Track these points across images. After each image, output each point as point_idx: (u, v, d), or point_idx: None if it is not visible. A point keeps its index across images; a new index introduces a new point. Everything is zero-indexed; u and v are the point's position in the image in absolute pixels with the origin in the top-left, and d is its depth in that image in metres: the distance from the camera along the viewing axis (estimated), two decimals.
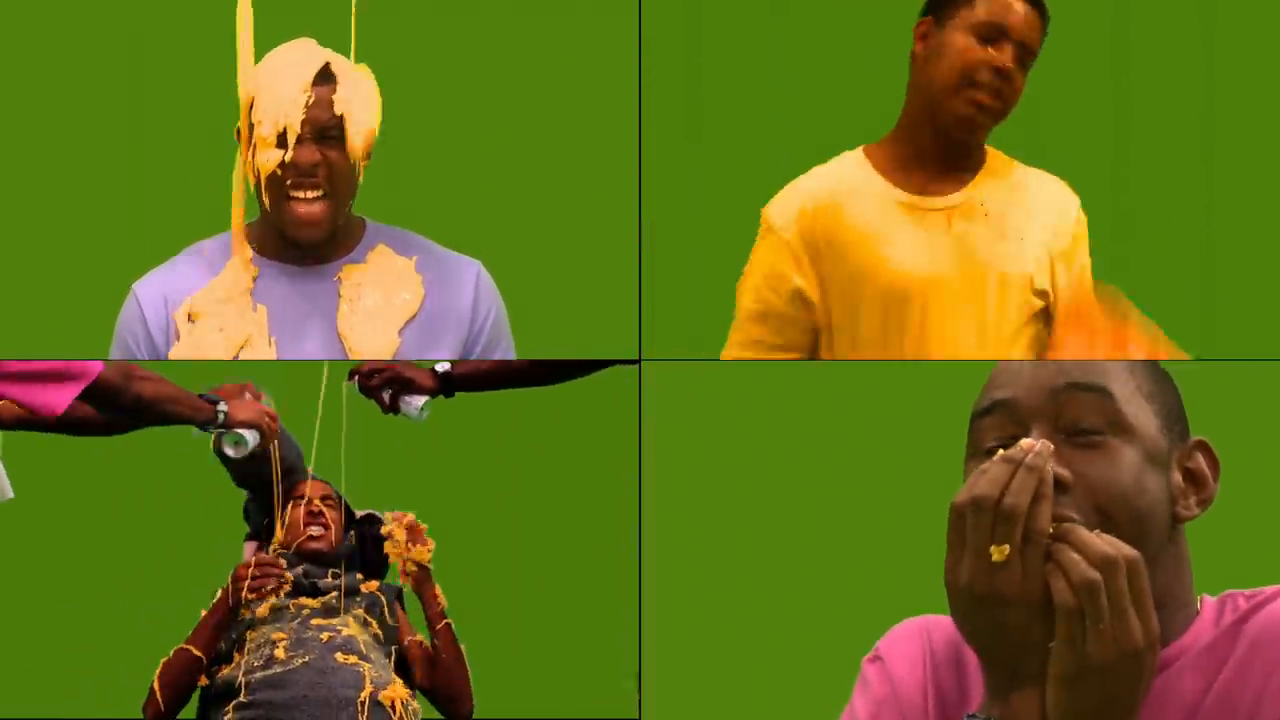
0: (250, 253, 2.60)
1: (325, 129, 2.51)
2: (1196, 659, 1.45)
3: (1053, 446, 1.37)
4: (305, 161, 2.49)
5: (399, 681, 2.79)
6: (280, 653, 2.72)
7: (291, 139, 2.49)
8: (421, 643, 2.94)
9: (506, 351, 2.72)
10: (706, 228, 3.25)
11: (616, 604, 3.17)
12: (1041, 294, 2.53)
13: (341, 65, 2.54)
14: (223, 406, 2.68)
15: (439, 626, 2.91)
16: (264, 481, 3.00)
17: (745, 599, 3.22)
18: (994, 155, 2.59)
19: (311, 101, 2.50)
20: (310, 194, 2.51)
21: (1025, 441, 1.36)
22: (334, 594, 2.90)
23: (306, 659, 2.71)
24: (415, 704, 2.82)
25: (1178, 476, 1.47)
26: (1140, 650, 1.31)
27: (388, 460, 3.17)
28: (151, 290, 2.62)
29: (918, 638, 1.60)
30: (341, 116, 2.51)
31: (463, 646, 2.93)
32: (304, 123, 2.49)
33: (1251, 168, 3.18)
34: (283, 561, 2.80)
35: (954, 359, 2.50)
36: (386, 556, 3.07)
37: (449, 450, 3.48)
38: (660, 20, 3.12)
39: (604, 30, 3.15)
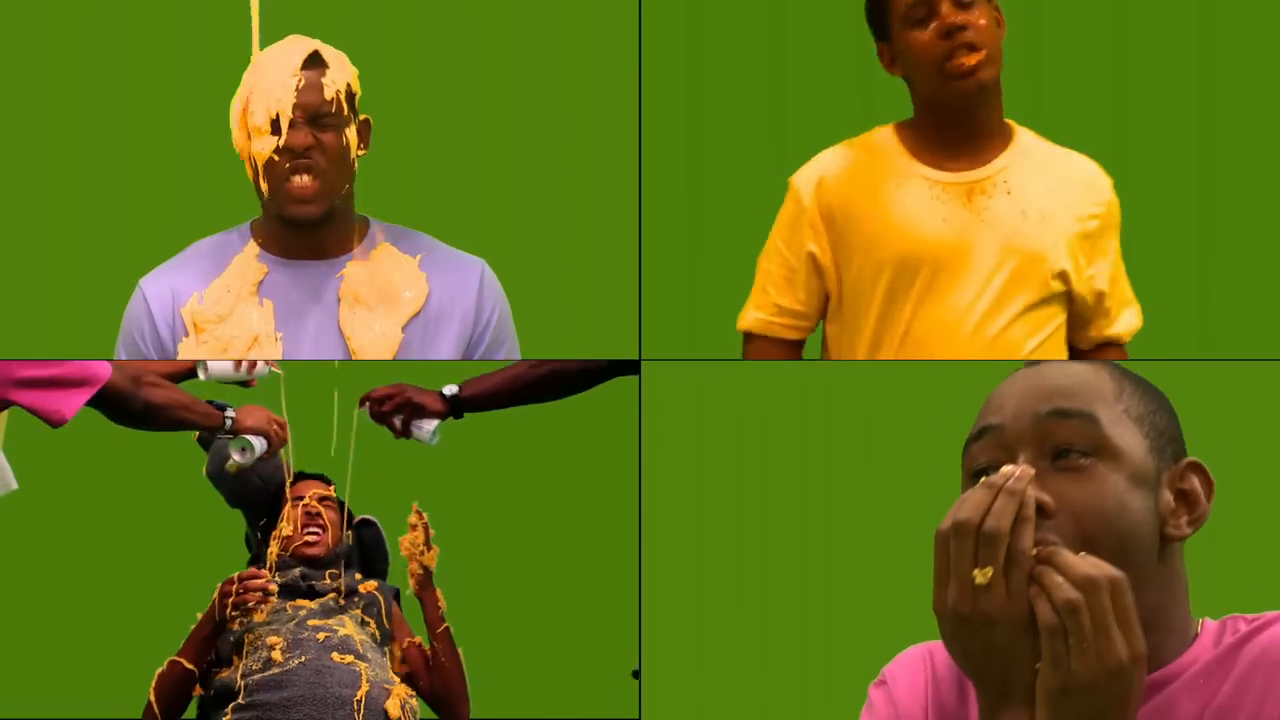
0: (258, 248, 2.61)
1: (317, 112, 2.52)
2: (1194, 680, 1.47)
3: (1033, 471, 1.39)
4: (299, 144, 2.50)
5: (399, 681, 2.79)
6: (277, 655, 2.71)
7: (284, 124, 2.50)
8: (420, 645, 2.94)
9: (511, 350, 2.72)
10: (707, 228, 3.25)
11: (617, 604, 3.17)
12: (1061, 276, 2.53)
13: (330, 52, 2.55)
14: (230, 413, 2.71)
15: (439, 631, 2.91)
16: (256, 500, 3.02)
17: (745, 599, 3.22)
18: (1023, 133, 2.60)
19: (302, 85, 2.51)
20: (306, 177, 2.52)
21: (1006, 468, 1.39)
22: (332, 595, 2.90)
23: (303, 659, 2.71)
24: (414, 702, 2.82)
25: (1168, 497, 1.49)
26: (1124, 667, 1.33)
27: (387, 460, 3.17)
28: (158, 286, 2.63)
29: (921, 662, 1.62)
30: (333, 100, 2.52)
31: (460, 651, 2.92)
32: (295, 106, 2.50)
33: (1251, 167, 3.18)
34: (265, 574, 2.79)
35: (953, 331, 2.51)
36: (385, 558, 3.07)
37: (450, 450, 3.48)
38: (660, 20, 3.12)
39: (604, 30, 3.15)
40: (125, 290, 2.67)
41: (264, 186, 2.53)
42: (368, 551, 3.08)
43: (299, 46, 2.55)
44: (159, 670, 2.76)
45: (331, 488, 3.06)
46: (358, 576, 2.98)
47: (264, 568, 2.91)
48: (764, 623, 3.20)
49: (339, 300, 2.60)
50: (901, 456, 3.03)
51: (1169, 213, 3.17)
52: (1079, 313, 2.59)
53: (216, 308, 2.59)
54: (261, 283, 2.60)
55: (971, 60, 2.48)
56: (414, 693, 2.84)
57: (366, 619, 2.89)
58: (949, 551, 1.36)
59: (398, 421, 2.86)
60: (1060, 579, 1.33)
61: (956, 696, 1.58)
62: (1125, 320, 2.63)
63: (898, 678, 1.63)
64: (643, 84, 2.96)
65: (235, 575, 2.76)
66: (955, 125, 2.54)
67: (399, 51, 3.10)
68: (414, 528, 2.90)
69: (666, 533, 3.16)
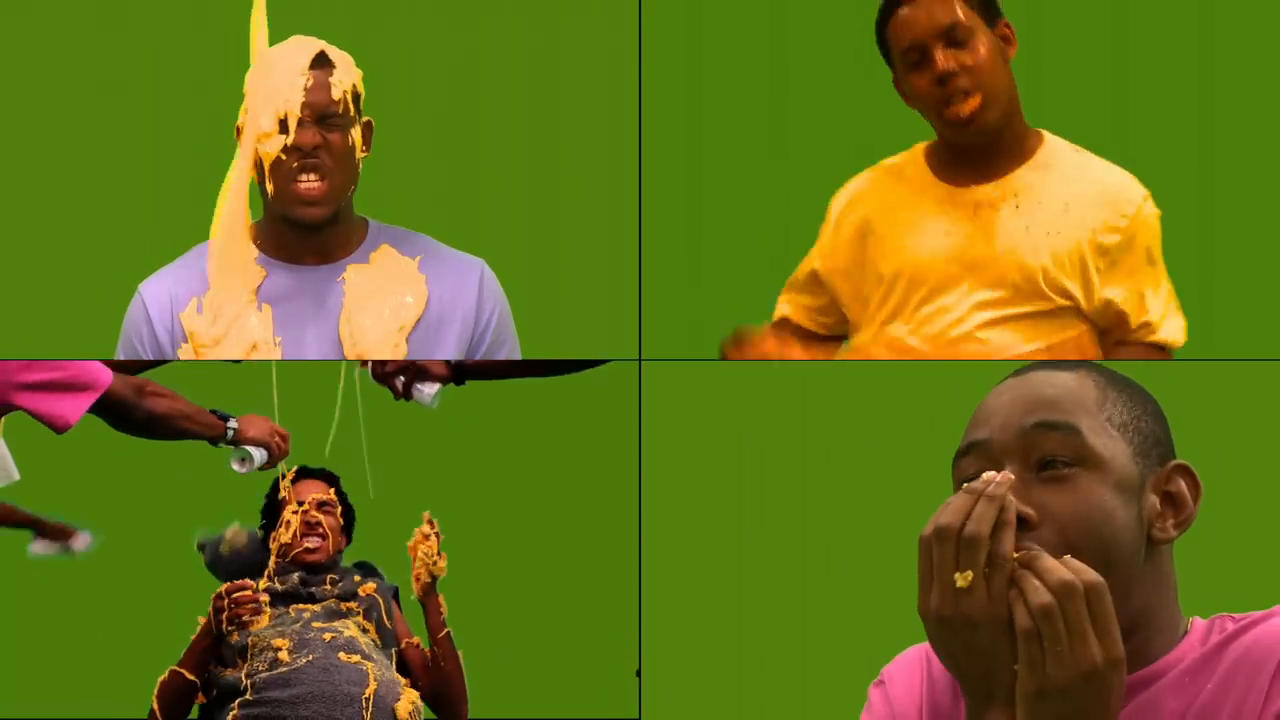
0: (255, 252, 2.61)
1: (325, 112, 2.52)
2: (1179, 679, 1.50)
3: (1013, 476, 1.43)
4: (307, 143, 2.50)
5: (407, 684, 2.79)
6: (284, 655, 2.72)
7: (292, 123, 2.50)
8: (419, 645, 2.94)
9: (511, 351, 2.72)
10: (706, 228, 3.26)
11: (617, 604, 3.17)
12: (1063, 292, 2.51)
13: (337, 53, 2.56)
14: (233, 424, 2.72)
15: (440, 635, 2.91)
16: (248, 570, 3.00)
17: (745, 599, 3.22)
18: (1053, 144, 2.58)
19: (310, 85, 2.51)
20: (312, 176, 2.52)
21: (987, 474, 1.43)
22: (333, 599, 2.90)
23: (310, 658, 2.71)
24: (421, 703, 2.82)
25: (1154, 500, 1.52)
26: (1099, 670, 1.36)
27: (387, 460, 3.17)
28: (157, 291, 2.63)
29: (918, 662, 1.65)
30: (340, 100, 2.52)
31: (460, 654, 2.92)
32: (303, 105, 2.50)
33: (1251, 167, 3.18)
34: (252, 585, 2.78)
35: (948, 343, 2.52)
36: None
37: (450, 449, 3.48)
38: (660, 21, 3.12)
39: (604, 31, 3.15)
40: (125, 294, 2.67)
41: (270, 186, 2.53)
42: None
43: (306, 46, 2.55)
44: (160, 679, 2.76)
45: (332, 490, 3.05)
46: (356, 579, 2.98)
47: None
48: (764, 622, 3.20)
49: (340, 308, 2.60)
50: (901, 456, 3.03)
51: (1169, 211, 3.17)
52: (1104, 327, 2.57)
53: (212, 330, 2.59)
54: (260, 286, 2.60)
55: (967, 109, 2.47)
56: (419, 694, 2.85)
57: (366, 625, 2.89)
58: (931, 556, 1.40)
59: (399, 382, 2.80)
60: (1037, 584, 1.37)
61: (951, 697, 1.60)
62: (1166, 332, 2.59)
63: (895, 678, 1.66)
64: (643, 84, 2.97)
65: (223, 588, 2.76)
66: (968, 149, 2.55)
67: (399, 52, 3.10)
68: (427, 538, 2.90)
69: (666, 533, 3.16)
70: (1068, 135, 2.62)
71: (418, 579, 2.90)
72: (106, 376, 2.45)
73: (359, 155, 2.57)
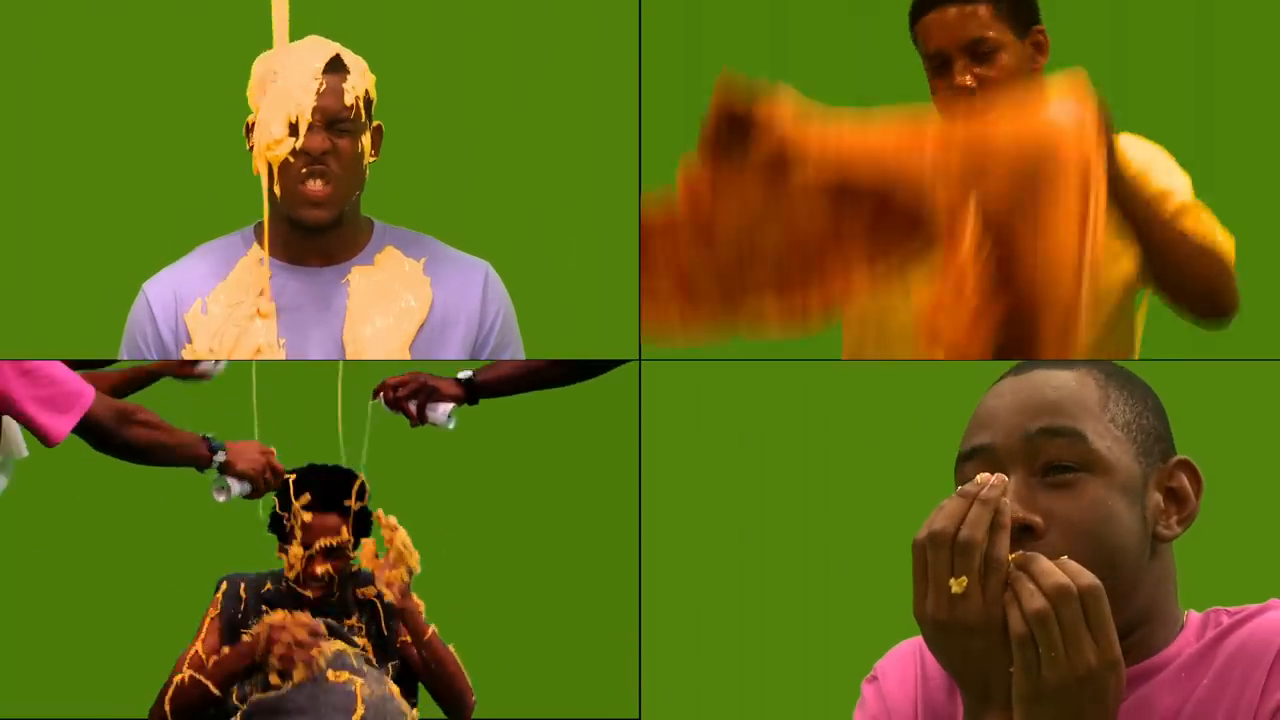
0: (261, 252, 2.61)
1: (336, 117, 2.52)
2: (1176, 673, 1.50)
3: (1007, 479, 1.42)
4: (316, 148, 2.50)
5: (399, 695, 2.76)
6: (275, 678, 2.69)
7: (303, 127, 2.50)
8: (411, 644, 2.89)
9: (516, 352, 2.72)
10: None
11: (617, 604, 3.17)
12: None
13: (351, 57, 2.56)
14: (220, 456, 2.63)
15: (426, 638, 2.84)
16: None
17: (744, 598, 3.22)
18: None
19: (323, 89, 2.51)
20: (319, 182, 2.52)
21: (981, 475, 1.42)
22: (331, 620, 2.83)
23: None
24: (415, 712, 2.80)
25: (1158, 498, 1.52)
26: (1094, 673, 1.36)
27: (386, 461, 3.17)
28: (161, 289, 2.63)
29: (911, 657, 1.66)
30: (352, 106, 2.52)
31: (452, 647, 2.88)
32: (315, 110, 2.50)
33: (1250, 167, 3.19)
34: (320, 628, 2.70)
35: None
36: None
37: (449, 449, 3.48)
38: (660, 21, 3.12)
39: (604, 31, 3.15)
40: (130, 292, 2.67)
41: (277, 189, 2.53)
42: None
43: (321, 50, 2.55)
44: (177, 681, 2.71)
45: (345, 526, 2.85)
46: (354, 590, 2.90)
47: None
48: (764, 622, 3.20)
49: (345, 310, 2.60)
50: (901, 455, 3.03)
51: None
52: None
53: (222, 339, 2.59)
54: (264, 289, 2.61)
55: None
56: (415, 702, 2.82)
57: (359, 625, 2.85)
58: (926, 560, 1.40)
59: (413, 406, 2.82)
60: (1032, 588, 1.36)
61: (946, 691, 1.61)
62: (1176, 190, 2.48)
63: (888, 673, 1.66)
64: (643, 84, 2.97)
65: (289, 620, 2.69)
66: None
67: (399, 53, 3.10)
68: (389, 544, 2.79)
69: (666, 532, 3.16)
70: None
71: (387, 584, 2.80)
72: (88, 398, 2.42)
73: (367, 160, 2.58)
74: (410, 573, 2.81)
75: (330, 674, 2.69)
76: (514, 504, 3.57)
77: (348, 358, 2.60)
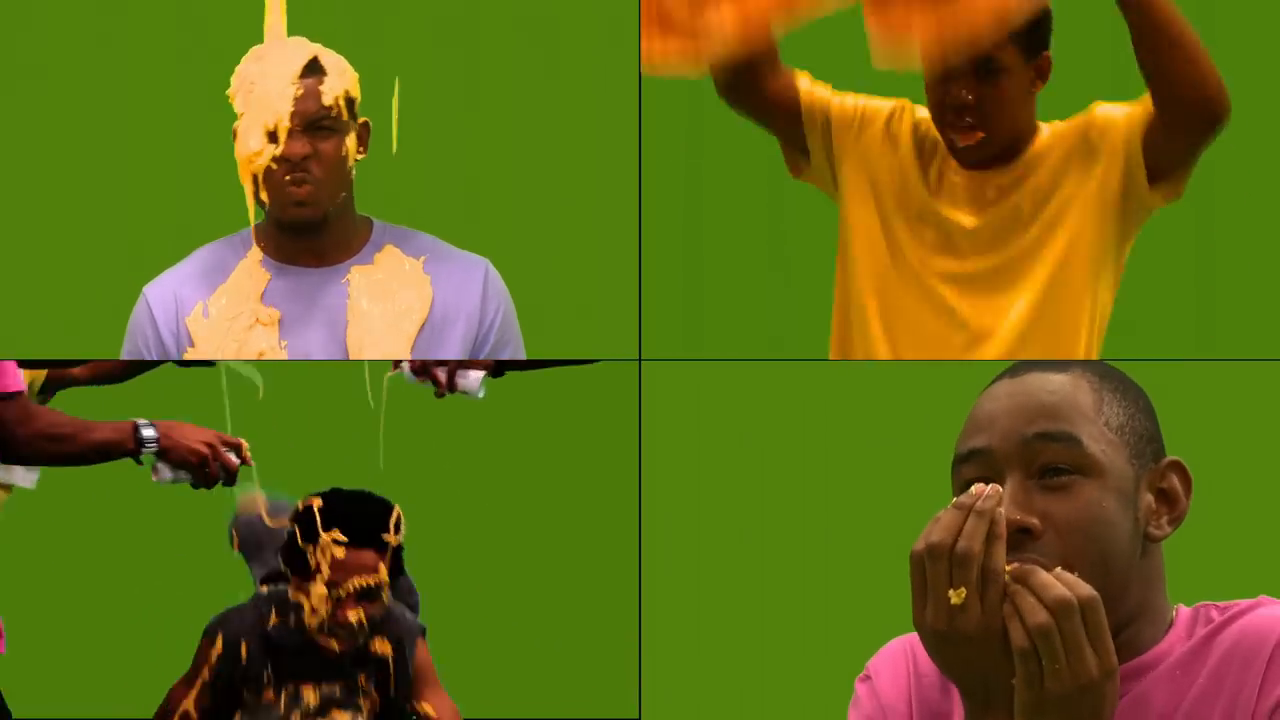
0: (261, 254, 2.61)
1: (315, 120, 2.52)
2: (1169, 671, 1.53)
3: (1002, 490, 1.44)
4: (296, 154, 2.50)
5: None
6: None
7: (282, 134, 2.50)
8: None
9: (516, 351, 2.72)
10: (707, 228, 3.25)
11: (617, 604, 3.17)
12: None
13: (330, 57, 2.55)
14: (149, 433, 2.46)
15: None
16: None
17: (744, 598, 3.22)
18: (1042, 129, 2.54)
19: (300, 94, 2.51)
20: (303, 188, 2.52)
21: (975, 487, 1.44)
22: (338, 686, 2.60)
23: None
24: None
25: (1149, 499, 1.54)
26: (1096, 682, 1.38)
27: (387, 461, 3.17)
28: (162, 292, 2.63)
29: (902, 655, 1.67)
30: (332, 106, 2.52)
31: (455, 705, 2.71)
32: (293, 115, 2.50)
33: (1250, 167, 3.18)
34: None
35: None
36: (414, 600, 2.79)
37: (449, 449, 3.49)
38: None
39: (604, 30, 3.15)
40: (131, 294, 2.67)
41: (263, 195, 2.53)
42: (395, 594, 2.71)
43: (299, 53, 2.54)
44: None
45: (382, 563, 2.51)
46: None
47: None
48: (763, 621, 3.20)
49: (345, 310, 2.60)
50: (900, 455, 3.03)
51: (1169, 211, 3.17)
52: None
53: (223, 352, 2.59)
54: (264, 291, 2.61)
55: (964, 141, 2.46)
56: None
57: (367, 688, 2.61)
58: (924, 572, 1.41)
59: (442, 373, 2.73)
60: (1034, 602, 1.38)
61: (939, 690, 1.62)
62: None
63: (881, 672, 1.68)
64: (643, 83, 2.96)
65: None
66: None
67: (399, 52, 3.10)
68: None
69: (666, 532, 3.16)
70: None
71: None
72: (11, 386, 2.37)
73: (353, 160, 2.57)
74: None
75: None
76: (514, 503, 3.57)
77: (350, 357, 2.59)
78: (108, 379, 3.10)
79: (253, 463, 2.53)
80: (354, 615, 2.47)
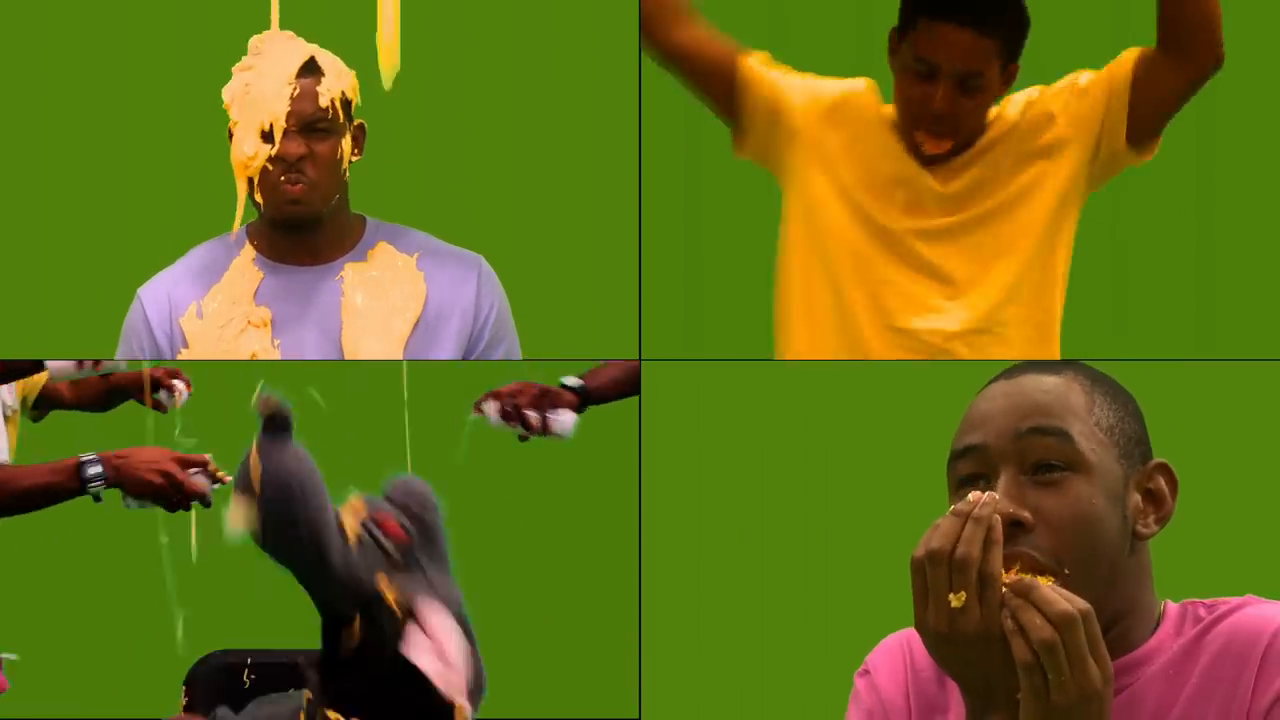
0: (254, 253, 2.61)
1: (311, 120, 2.52)
2: (1162, 670, 1.58)
3: (998, 497, 1.50)
4: (291, 154, 2.50)
5: None
6: None
7: (278, 134, 2.50)
8: None
9: (510, 348, 2.72)
10: (707, 228, 3.25)
11: (617, 604, 3.17)
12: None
13: (327, 58, 2.55)
14: (93, 470, 2.33)
15: None
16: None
17: (745, 598, 3.22)
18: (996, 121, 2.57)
19: (296, 94, 2.51)
20: (297, 188, 2.52)
21: (972, 495, 1.49)
22: None
23: None
24: None
25: (1137, 498, 1.59)
26: (1099, 691, 1.43)
27: (386, 460, 3.17)
28: (155, 295, 2.63)
29: (899, 650, 1.72)
30: (328, 108, 2.52)
31: None
32: (289, 115, 2.50)
33: (1251, 166, 3.18)
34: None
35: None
36: None
37: (447, 449, 3.48)
38: None
39: (604, 29, 3.15)
40: (125, 293, 2.67)
41: (258, 197, 2.54)
42: None
43: (295, 54, 2.54)
44: None
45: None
46: None
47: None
48: (763, 621, 3.20)
49: (339, 308, 2.60)
50: (900, 455, 3.03)
51: (1169, 211, 3.17)
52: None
53: (216, 314, 2.60)
54: (257, 289, 2.61)
55: (931, 149, 2.49)
56: None
57: None
58: (925, 577, 1.46)
59: (534, 416, 2.67)
60: (1038, 620, 1.43)
61: (936, 683, 1.67)
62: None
63: (879, 667, 1.73)
64: (643, 82, 2.96)
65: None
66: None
67: (398, 50, 3.10)
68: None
69: (666, 532, 3.16)
70: None
71: None
72: None
73: (348, 161, 2.57)
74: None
75: None
76: (514, 503, 3.57)
77: (344, 355, 2.60)
78: (90, 405, 3.10)
79: (226, 479, 2.35)
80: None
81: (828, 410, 3.20)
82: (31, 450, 2.84)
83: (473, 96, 3.23)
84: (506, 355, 2.72)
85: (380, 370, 2.85)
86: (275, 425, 1.93)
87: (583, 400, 2.73)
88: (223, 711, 2.15)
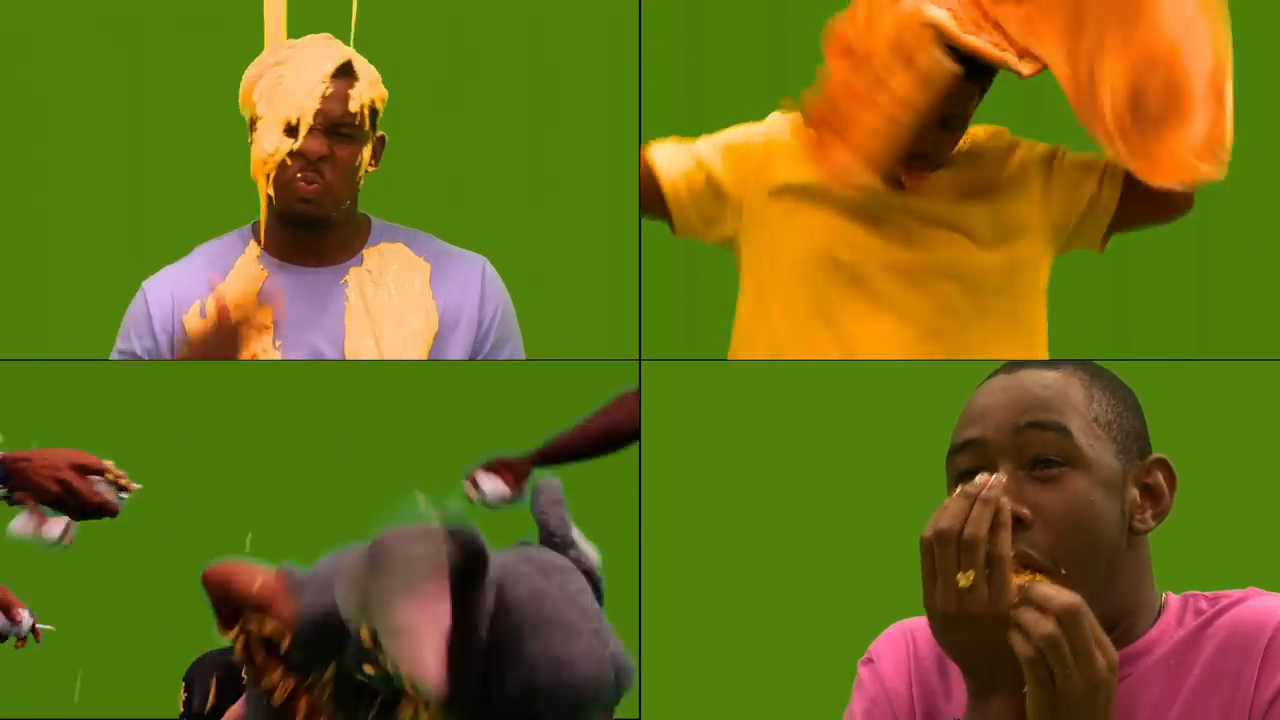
0: (259, 250, 2.62)
1: (338, 122, 2.52)
2: (1164, 661, 1.59)
3: (1005, 478, 1.51)
4: (313, 152, 2.50)
5: None
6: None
7: (303, 129, 2.50)
8: None
9: (515, 349, 2.72)
10: None
11: (616, 603, 3.16)
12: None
13: (363, 65, 2.56)
14: None
15: None
16: None
17: (744, 598, 3.22)
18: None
19: (329, 93, 2.51)
20: (313, 187, 2.52)
21: (980, 476, 1.50)
22: None
23: None
24: None
25: (1135, 493, 1.61)
26: (1106, 680, 1.44)
27: (387, 460, 3.17)
28: (160, 289, 2.63)
29: (902, 639, 1.74)
30: (357, 113, 2.52)
31: None
32: (317, 113, 2.50)
33: (1251, 166, 3.18)
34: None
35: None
36: None
37: (449, 448, 3.48)
38: (660, 19, 3.12)
39: (604, 29, 3.15)
40: (129, 292, 2.67)
41: (271, 189, 2.54)
42: None
43: (333, 53, 2.54)
44: None
45: None
46: None
47: None
48: (763, 621, 3.20)
49: (344, 311, 2.60)
50: (899, 455, 3.04)
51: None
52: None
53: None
54: (264, 287, 2.61)
55: (913, 183, 2.51)
56: None
57: None
58: (934, 556, 1.48)
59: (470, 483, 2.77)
60: (1036, 616, 1.44)
61: (937, 672, 1.69)
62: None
63: (883, 655, 1.74)
64: (643, 83, 2.96)
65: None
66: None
67: (398, 50, 3.11)
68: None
69: (666, 532, 3.16)
70: (1068, 133, 2.61)
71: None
72: None
73: (364, 170, 2.57)
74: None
75: None
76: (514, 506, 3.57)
77: (346, 356, 2.60)
78: None
79: (133, 486, 2.20)
80: None
81: (828, 410, 3.20)
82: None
83: (473, 96, 3.23)
84: (511, 356, 2.73)
85: (386, 371, 2.86)
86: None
87: (537, 465, 2.76)
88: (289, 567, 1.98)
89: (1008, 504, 1.48)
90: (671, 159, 2.60)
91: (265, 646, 1.60)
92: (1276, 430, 3.09)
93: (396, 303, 2.61)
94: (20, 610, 2.47)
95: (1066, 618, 1.43)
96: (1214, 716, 1.55)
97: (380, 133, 2.60)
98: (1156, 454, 1.64)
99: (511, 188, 3.22)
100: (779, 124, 2.60)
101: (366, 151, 2.56)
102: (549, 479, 1.87)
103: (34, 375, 3.21)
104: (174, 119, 3.17)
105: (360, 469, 2.99)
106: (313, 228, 2.57)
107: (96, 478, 2.16)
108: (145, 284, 2.65)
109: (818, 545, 3.20)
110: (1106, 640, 1.44)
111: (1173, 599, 1.64)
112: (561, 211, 3.22)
